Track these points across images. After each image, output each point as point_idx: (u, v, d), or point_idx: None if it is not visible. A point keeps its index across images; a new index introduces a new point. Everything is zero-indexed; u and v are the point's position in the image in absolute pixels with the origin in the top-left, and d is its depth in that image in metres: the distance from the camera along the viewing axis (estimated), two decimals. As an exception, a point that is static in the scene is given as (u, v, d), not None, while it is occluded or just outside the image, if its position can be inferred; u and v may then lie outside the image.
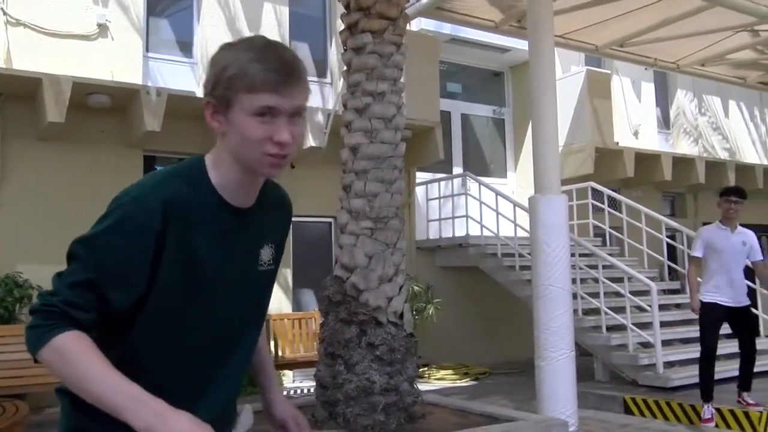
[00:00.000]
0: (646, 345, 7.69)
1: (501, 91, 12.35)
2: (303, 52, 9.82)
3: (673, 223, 9.96)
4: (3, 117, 7.58)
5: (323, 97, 9.80)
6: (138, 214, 1.35)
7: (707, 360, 6.04)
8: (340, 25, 5.79)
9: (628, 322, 7.71)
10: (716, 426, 6.05)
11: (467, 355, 10.03)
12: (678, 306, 9.23)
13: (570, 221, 8.20)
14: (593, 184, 10.34)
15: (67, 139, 7.76)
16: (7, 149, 7.57)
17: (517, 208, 9.31)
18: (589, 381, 7.74)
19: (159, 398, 1.28)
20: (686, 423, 6.30)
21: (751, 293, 6.81)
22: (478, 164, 11.76)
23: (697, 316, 6.16)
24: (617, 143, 11.82)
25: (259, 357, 1.75)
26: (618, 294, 8.16)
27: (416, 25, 9.63)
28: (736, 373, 6.27)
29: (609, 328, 8.00)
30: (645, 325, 7.79)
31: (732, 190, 6.16)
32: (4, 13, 7.70)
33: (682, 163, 12.45)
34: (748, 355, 6.15)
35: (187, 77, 8.88)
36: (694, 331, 7.03)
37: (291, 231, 8.55)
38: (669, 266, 9.96)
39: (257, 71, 1.35)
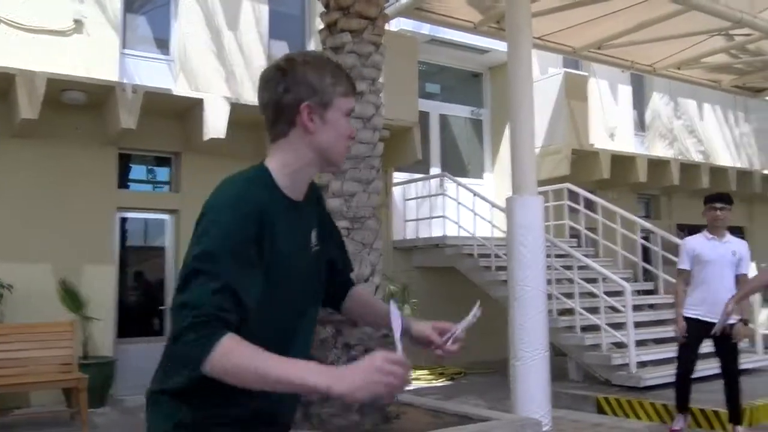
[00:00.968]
0: (620, 345, 7.77)
1: (479, 92, 12.40)
2: (281, 50, 9.79)
3: (648, 225, 10.08)
4: (-25, 112, 7.47)
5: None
6: (241, 222, 1.53)
7: (682, 378, 5.63)
8: (320, 24, 5.78)
9: (602, 323, 7.78)
10: (690, 427, 6.06)
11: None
12: (652, 306, 9.33)
13: (546, 222, 8.25)
14: (569, 185, 10.43)
15: (41, 136, 7.66)
16: (-21, 145, 7.46)
17: (493, 208, 9.36)
18: (563, 381, 7.81)
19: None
20: (658, 422, 6.37)
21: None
22: (456, 165, 11.80)
23: (681, 337, 5.53)
24: (593, 145, 11.94)
25: (361, 300, 1.98)
26: (592, 294, 8.24)
27: (395, 25, 9.64)
28: (717, 371, 5.70)
29: (583, 329, 8.07)
30: (619, 326, 7.86)
31: (716, 197, 5.61)
32: (-23, 7, 7.58)
33: (657, 165, 12.59)
34: (730, 381, 5.50)
35: (163, 74, 8.80)
36: (667, 332, 7.11)
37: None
38: (643, 267, 10.07)
39: (346, 80, 1.69)
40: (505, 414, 5.61)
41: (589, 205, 10.44)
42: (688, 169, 13.22)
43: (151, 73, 8.70)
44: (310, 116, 1.64)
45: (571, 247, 9.43)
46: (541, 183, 8.17)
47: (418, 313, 9.54)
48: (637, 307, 8.50)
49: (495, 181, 12.07)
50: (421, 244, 10.21)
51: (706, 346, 5.60)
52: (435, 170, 11.34)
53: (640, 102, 14.25)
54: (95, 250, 7.98)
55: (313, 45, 9.77)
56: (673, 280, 6.24)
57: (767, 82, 12.71)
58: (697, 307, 5.50)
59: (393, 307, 1.73)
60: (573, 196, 10.43)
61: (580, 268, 8.45)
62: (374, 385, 1.40)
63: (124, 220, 8.62)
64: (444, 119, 11.91)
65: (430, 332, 1.83)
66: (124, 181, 8.74)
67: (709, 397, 6.19)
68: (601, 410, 6.90)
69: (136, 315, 8.67)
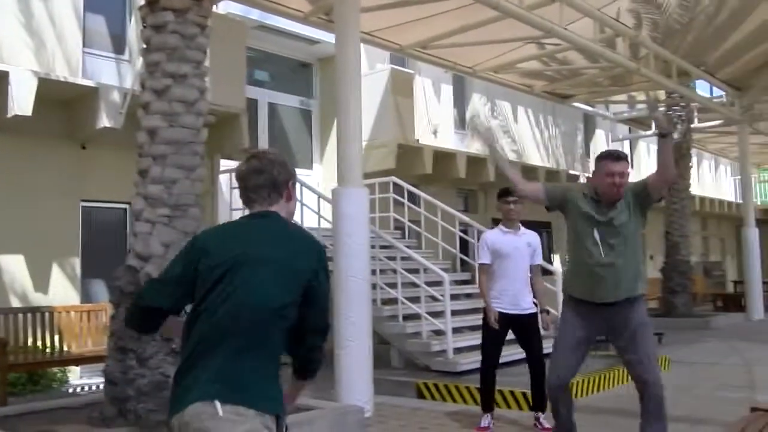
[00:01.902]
0: (439, 333, 8.10)
1: (309, 82, 12.38)
2: (98, 25, 9.16)
3: (466, 218, 10.60)
4: None
5: (120, 74, 9.20)
6: None
7: (486, 372, 5.70)
8: (140, 0, 5.46)
9: (423, 311, 8.08)
10: (498, 406, 6.28)
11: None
12: (468, 296, 9.83)
13: (372, 214, 8.44)
14: (395, 178, 10.71)
15: None
16: None
17: (321, 199, 9.40)
18: (386, 368, 8.00)
19: None
20: (472, 404, 6.70)
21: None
22: (285, 154, 11.57)
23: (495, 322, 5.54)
24: (417, 141, 12.35)
25: None
26: (414, 284, 8.53)
27: (223, 7, 9.33)
28: (522, 355, 5.84)
29: (405, 317, 8.33)
30: (438, 314, 8.19)
31: (507, 191, 5.64)
32: None
33: (475, 162, 13.26)
34: (536, 371, 5.57)
35: None
36: (480, 319, 7.47)
37: (80, 217, 7.90)
38: (461, 258, 10.58)
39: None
40: (329, 402, 5.65)
41: (413, 198, 10.80)
42: (503, 167, 14.03)
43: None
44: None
45: (395, 238, 9.70)
46: (368, 176, 8.33)
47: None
48: (454, 297, 8.92)
49: (323, 172, 12.12)
50: (247, 234, 9.99)
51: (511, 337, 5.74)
52: (263, 159, 11.14)
53: (460, 101, 14.95)
54: None
55: (133, 22, 9.23)
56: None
57: (573, 90, 13.91)
58: (498, 300, 5.60)
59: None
60: (398, 189, 10.73)
61: (403, 258, 8.71)
62: None
63: None
64: (273, 108, 11.76)
65: None
66: None
67: (517, 381, 6.46)
68: (421, 395, 7.15)
69: None
